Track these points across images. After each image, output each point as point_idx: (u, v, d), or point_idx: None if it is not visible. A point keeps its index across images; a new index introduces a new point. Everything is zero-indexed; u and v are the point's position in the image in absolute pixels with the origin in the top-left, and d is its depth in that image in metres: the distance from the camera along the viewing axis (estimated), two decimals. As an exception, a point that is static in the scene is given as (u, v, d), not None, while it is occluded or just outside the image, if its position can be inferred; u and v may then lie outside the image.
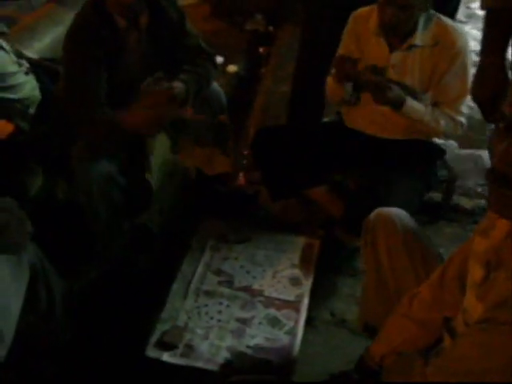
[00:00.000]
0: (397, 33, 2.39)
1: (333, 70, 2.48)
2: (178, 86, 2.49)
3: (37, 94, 2.74)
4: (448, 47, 2.37)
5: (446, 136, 2.78)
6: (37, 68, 2.85)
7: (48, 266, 2.01)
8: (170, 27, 2.55)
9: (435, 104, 2.47)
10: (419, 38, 2.38)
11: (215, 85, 2.82)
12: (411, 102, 2.40)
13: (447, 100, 2.45)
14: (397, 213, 1.90)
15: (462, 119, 2.48)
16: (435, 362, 1.35)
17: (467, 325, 1.36)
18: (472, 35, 4.92)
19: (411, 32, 2.37)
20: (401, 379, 1.44)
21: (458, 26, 2.46)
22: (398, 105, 2.38)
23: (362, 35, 2.51)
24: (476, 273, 1.36)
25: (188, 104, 2.57)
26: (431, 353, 1.45)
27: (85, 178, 2.43)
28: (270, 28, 4.96)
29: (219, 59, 4.30)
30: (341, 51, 2.58)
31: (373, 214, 1.94)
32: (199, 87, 2.59)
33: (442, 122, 2.45)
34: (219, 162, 2.92)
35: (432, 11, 2.39)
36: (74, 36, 2.43)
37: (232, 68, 4.34)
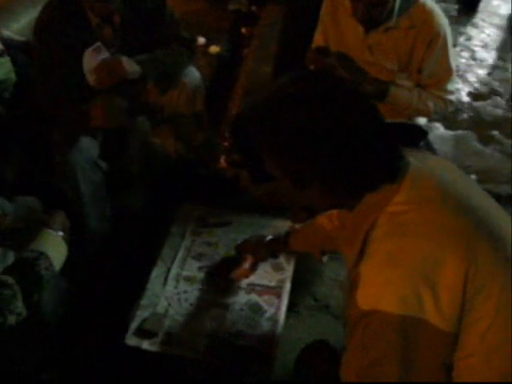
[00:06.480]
0: (370, 24, 2.36)
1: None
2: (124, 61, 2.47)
3: (12, 76, 2.69)
4: (425, 31, 2.35)
5: (437, 115, 2.77)
6: (13, 49, 2.79)
7: None
8: (146, 19, 2.52)
9: (421, 85, 2.45)
10: (395, 21, 2.34)
11: (193, 70, 2.78)
12: (395, 91, 2.38)
13: (433, 83, 2.43)
14: None
15: (451, 97, 2.47)
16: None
17: None
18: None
19: (388, 16, 2.34)
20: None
21: (437, 8, 2.42)
22: (380, 96, 2.36)
23: (338, 13, 2.49)
24: None
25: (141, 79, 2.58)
26: None
27: (69, 165, 2.44)
28: (253, 8, 4.92)
29: (201, 40, 4.27)
30: (319, 28, 2.56)
31: None
32: (157, 66, 2.57)
33: (431, 103, 2.45)
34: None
35: None
36: (42, 32, 2.44)
37: (214, 49, 4.30)
